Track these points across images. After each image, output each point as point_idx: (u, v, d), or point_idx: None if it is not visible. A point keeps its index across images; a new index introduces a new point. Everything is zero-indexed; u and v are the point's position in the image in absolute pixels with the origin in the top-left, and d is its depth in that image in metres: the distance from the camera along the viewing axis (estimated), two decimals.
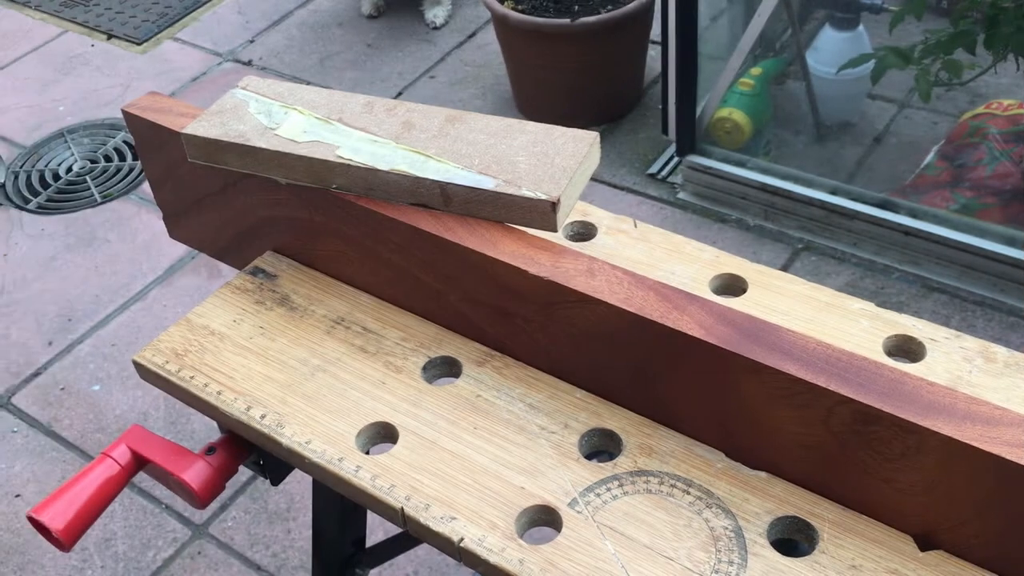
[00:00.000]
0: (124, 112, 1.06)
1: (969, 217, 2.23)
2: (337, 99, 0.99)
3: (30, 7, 3.50)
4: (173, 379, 0.94)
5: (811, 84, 2.53)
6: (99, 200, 2.68)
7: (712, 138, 2.50)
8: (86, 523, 0.90)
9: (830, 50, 2.51)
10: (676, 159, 2.56)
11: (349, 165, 0.91)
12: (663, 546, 0.76)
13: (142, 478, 1.95)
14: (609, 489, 0.80)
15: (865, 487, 0.75)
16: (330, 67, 3.06)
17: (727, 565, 0.74)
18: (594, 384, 0.88)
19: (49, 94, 3.10)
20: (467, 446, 0.85)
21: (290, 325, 0.98)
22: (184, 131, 0.97)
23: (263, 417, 0.89)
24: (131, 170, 2.76)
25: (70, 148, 2.89)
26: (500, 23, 2.62)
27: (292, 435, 0.87)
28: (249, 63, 3.12)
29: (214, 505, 1.93)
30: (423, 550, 1.74)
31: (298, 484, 1.90)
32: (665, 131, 2.48)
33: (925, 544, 0.74)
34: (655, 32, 2.55)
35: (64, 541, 0.88)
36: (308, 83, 2.97)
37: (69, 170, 2.80)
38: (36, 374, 2.21)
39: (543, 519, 0.80)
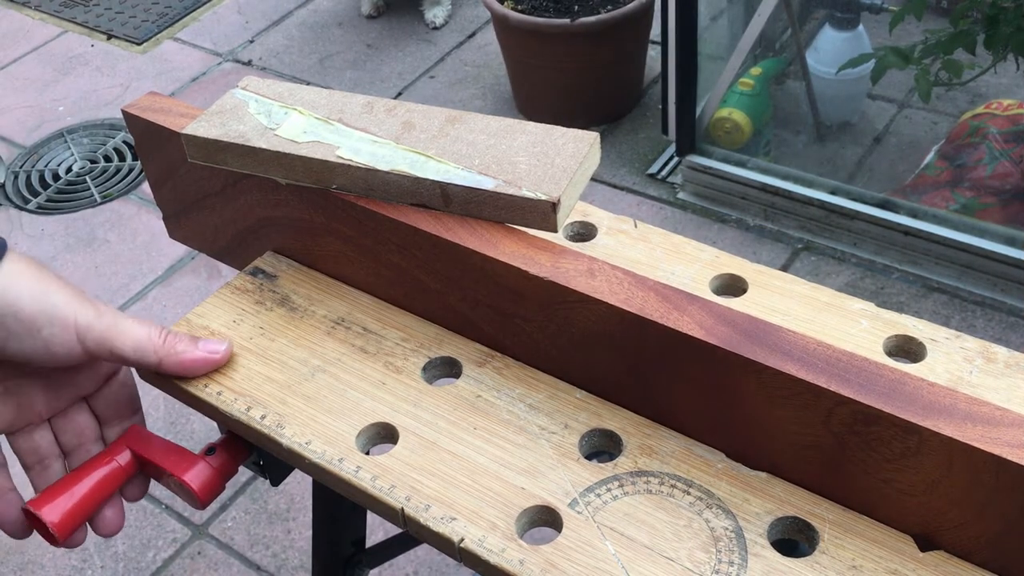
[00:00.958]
0: (124, 112, 1.06)
1: (969, 217, 2.24)
2: (337, 99, 0.99)
3: (30, 7, 3.50)
4: (172, 379, 0.94)
5: (811, 84, 2.53)
6: (99, 200, 2.68)
7: (712, 138, 2.50)
8: (80, 519, 0.90)
9: (830, 50, 2.51)
10: (676, 159, 2.56)
11: (349, 165, 0.91)
12: (663, 546, 0.76)
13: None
14: (609, 489, 0.80)
15: (865, 487, 0.75)
16: (330, 67, 3.06)
17: (727, 565, 0.74)
18: (594, 384, 0.88)
19: (49, 94, 3.10)
20: (467, 446, 0.85)
21: (290, 325, 0.98)
22: (184, 131, 0.97)
23: (263, 417, 0.89)
24: (131, 170, 2.76)
25: (70, 148, 2.89)
26: (500, 23, 2.62)
27: (292, 435, 0.87)
28: (249, 63, 3.12)
29: (214, 505, 1.93)
30: (423, 550, 1.74)
31: (298, 484, 1.90)
32: (665, 131, 2.48)
33: (926, 544, 0.74)
34: (655, 32, 2.55)
35: (58, 536, 0.88)
36: (308, 83, 2.97)
37: (69, 170, 2.81)
38: None
39: (543, 519, 0.80)
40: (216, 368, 0.92)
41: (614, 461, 0.83)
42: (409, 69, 2.99)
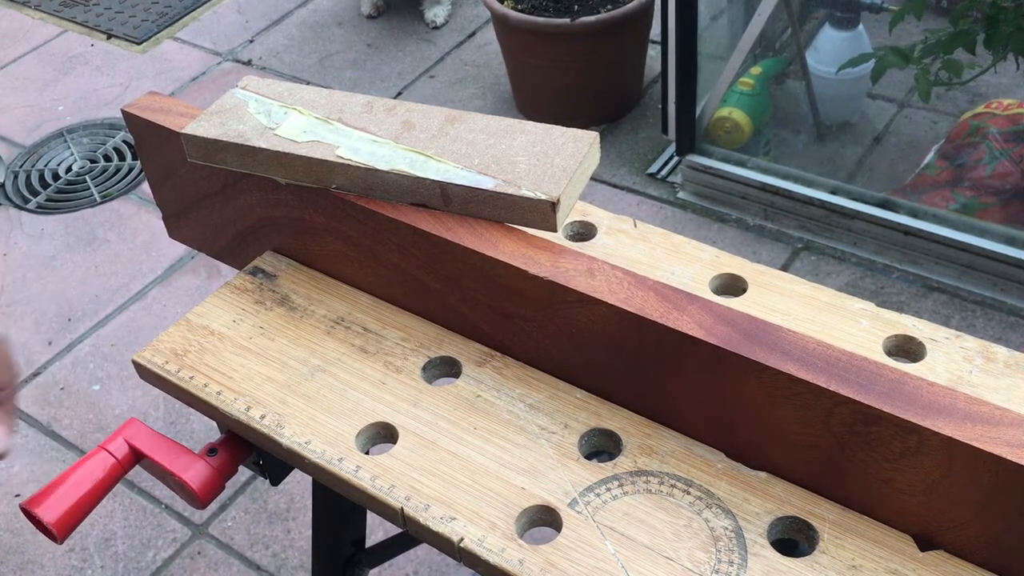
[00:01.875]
0: (124, 112, 1.06)
1: (969, 217, 2.23)
2: (337, 99, 0.99)
3: (30, 7, 3.50)
4: (173, 379, 0.94)
5: (811, 84, 2.53)
6: (99, 200, 2.68)
7: (712, 138, 2.50)
8: (79, 516, 0.90)
9: (830, 50, 2.51)
10: (676, 159, 2.56)
11: (349, 165, 0.91)
12: (663, 546, 0.76)
13: (142, 478, 1.95)
14: (609, 489, 0.80)
15: (865, 487, 0.75)
16: (330, 67, 3.06)
17: (727, 565, 0.74)
18: (594, 384, 0.88)
19: (49, 94, 3.10)
20: (467, 446, 0.85)
21: (290, 325, 0.98)
22: (184, 131, 0.97)
23: (263, 417, 0.89)
24: (131, 170, 2.76)
25: (70, 148, 2.89)
26: (500, 23, 2.61)
27: (292, 435, 0.87)
28: (249, 63, 3.12)
29: (214, 505, 1.93)
30: (423, 550, 1.74)
31: (298, 484, 1.90)
32: (665, 131, 2.48)
33: (925, 544, 0.74)
34: (655, 32, 2.54)
35: (57, 534, 0.88)
36: (308, 83, 2.97)
37: (69, 170, 2.80)
38: (36, 374, 2.21)
39: (543, 519, 0.80)
40: None
41: (614, 461, 0.83)
42: (409, 69, 2.98)
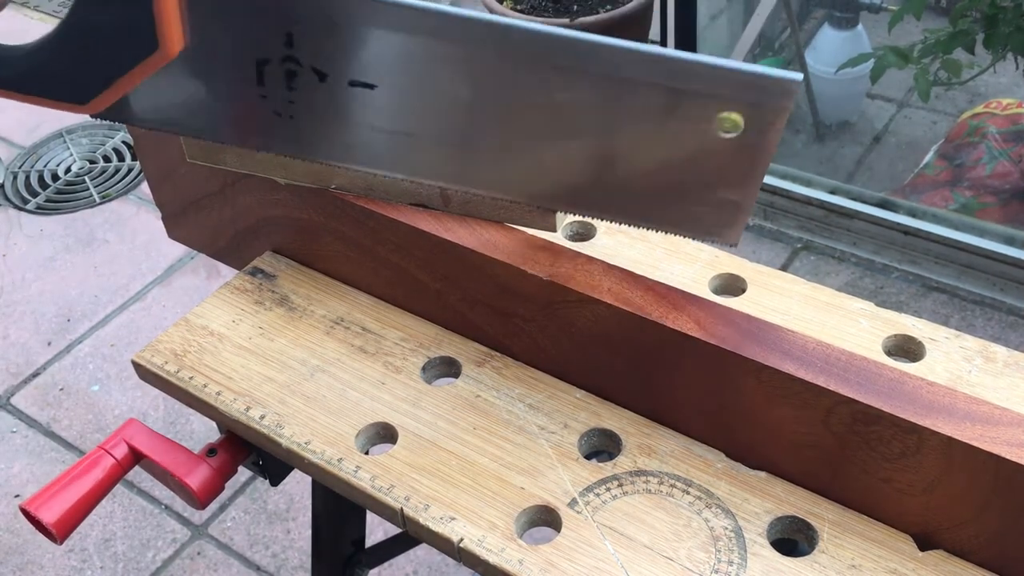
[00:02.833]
0: None
1: (968, 216, 2.23)
2: None
3: (29, 7, 3.49)
4: (172, 379, 0.94)
5: (810, 83, 2.53)
6: (98, 200, 2.68)
7: None
8: (79, 517, 0.90)
9: (829, 49, 2.51)
10: None
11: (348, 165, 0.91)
12: (663, 546, 0.76)
13: (142, 479, 1.95)
14: (609, 489, 0.80)
15: (865, 487, 0.75)
16: None
17: (727, 565, 0.74)
18: (593, 384, 0.88)
19: None
20: (466, 446, 0.85)
21: (289, 325, 0.98)
22: None
23: (262, 417, 0.89)
24: (130, 170, 2.76)
25: (69, 148, 2.89)
26: None
27: (291, 435, 0.87)
28: None
29: (213, 505, 1.93)
30: (423, 550, 1.74)
31: (298, 484, 1.90)
32: None
33: (925, 544, 0.74)
34: (654, 32, 2.54)
35: (57, 534, 0.88)
36: None
37: (68, 170, 2.80)
38: (35, 374, 2.21)
39: (543, 519, 0.80)
40: None
41: (613, 461, 0.83)
42: None
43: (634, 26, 2.61)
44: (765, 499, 0.79)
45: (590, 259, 0.84)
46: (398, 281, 0.95)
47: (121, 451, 0.93)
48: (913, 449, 0.70)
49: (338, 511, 1.18)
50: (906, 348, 0.88)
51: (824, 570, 0.73)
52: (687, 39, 2.26)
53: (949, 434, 0.68)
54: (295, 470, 0.93)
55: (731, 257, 0.98)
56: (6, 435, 2.07)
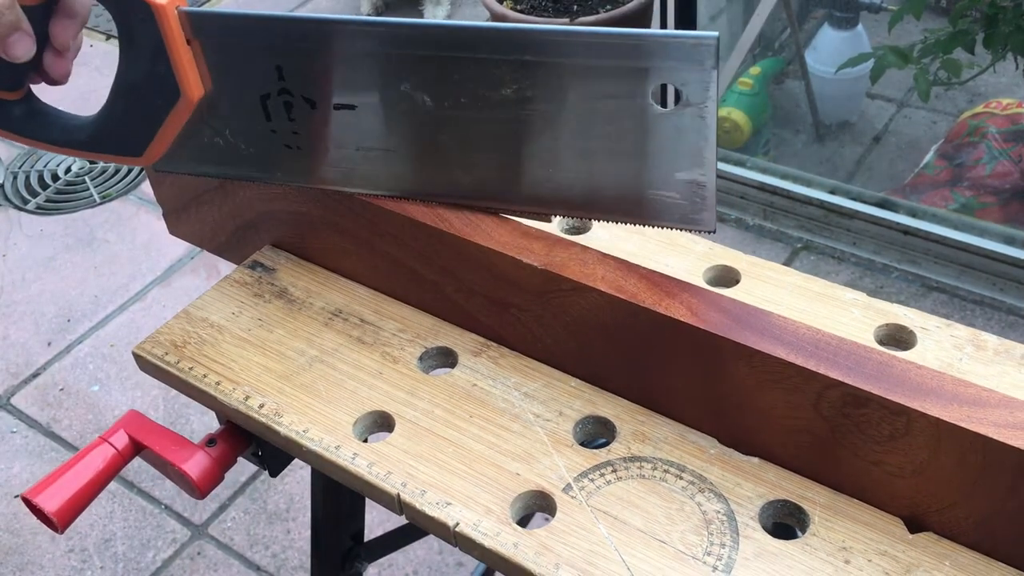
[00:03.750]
0: None
1: (968, 216, 2.24)
2: None
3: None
4: (172, 370, 0.94)
5: (810, 83, 2.54)
6: (98, 200, 2.69)
7: None
8: (80, 506, 0.91)
9: (829, 49, 2.52)
10: None
11: None
12: (656, 529, 0.77)
13: (142, 479, 1.95)
14: (603, 475, 0.81)
15: (855, 470, 0.76)
16: None
17: (719, 547, 0.75)
18: (588, 372, 0.89)
19: (48, 95, 3.12)
20: (463, 434, 0.86)
21: (288, 317, 0.99)
22: None
23: (261, 406, 0.90)
24: (130, 170, 2.77)
25: None
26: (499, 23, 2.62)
27: (290, 424, 0.88)
28: None
29: (213, 505, 1.93)
30: (422, 550, 1.74)
31: (297, 484, 1.90)
32: None
33: (915, 526, 0.75)
34: None
35: (58, 523, 0.89)
36: None
37: (68, 170, 2.82)
38: (35, 374, 2.22)
39: (538, 504, 0.81)
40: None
41: (608, 447, 0.84)
42: None
43: (634, 26, 2.62)
44: (757, 484, 0.79)
45: (584, 248, 0.85)
46: (395, 273, 0.96)
47: (121, 441, 0.94)
48: (902, 431, 0.71)
49: (337, 503, 1.19)
50: (897, 337, 0.89)
51: (814, 552, 0.74)
52: None
53: (937, 415, 0.68)
54: (294, 468, 0.94)
55: (725, 249, 0.99)
56: (6, 435, 2.08)
